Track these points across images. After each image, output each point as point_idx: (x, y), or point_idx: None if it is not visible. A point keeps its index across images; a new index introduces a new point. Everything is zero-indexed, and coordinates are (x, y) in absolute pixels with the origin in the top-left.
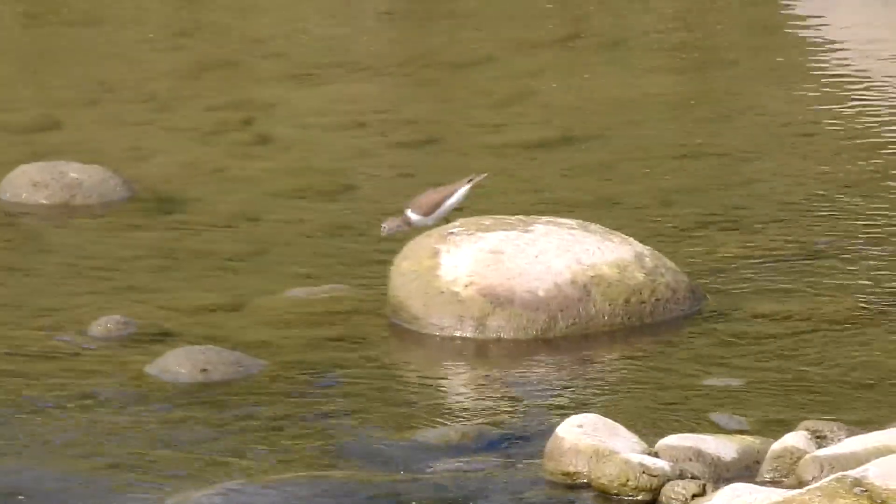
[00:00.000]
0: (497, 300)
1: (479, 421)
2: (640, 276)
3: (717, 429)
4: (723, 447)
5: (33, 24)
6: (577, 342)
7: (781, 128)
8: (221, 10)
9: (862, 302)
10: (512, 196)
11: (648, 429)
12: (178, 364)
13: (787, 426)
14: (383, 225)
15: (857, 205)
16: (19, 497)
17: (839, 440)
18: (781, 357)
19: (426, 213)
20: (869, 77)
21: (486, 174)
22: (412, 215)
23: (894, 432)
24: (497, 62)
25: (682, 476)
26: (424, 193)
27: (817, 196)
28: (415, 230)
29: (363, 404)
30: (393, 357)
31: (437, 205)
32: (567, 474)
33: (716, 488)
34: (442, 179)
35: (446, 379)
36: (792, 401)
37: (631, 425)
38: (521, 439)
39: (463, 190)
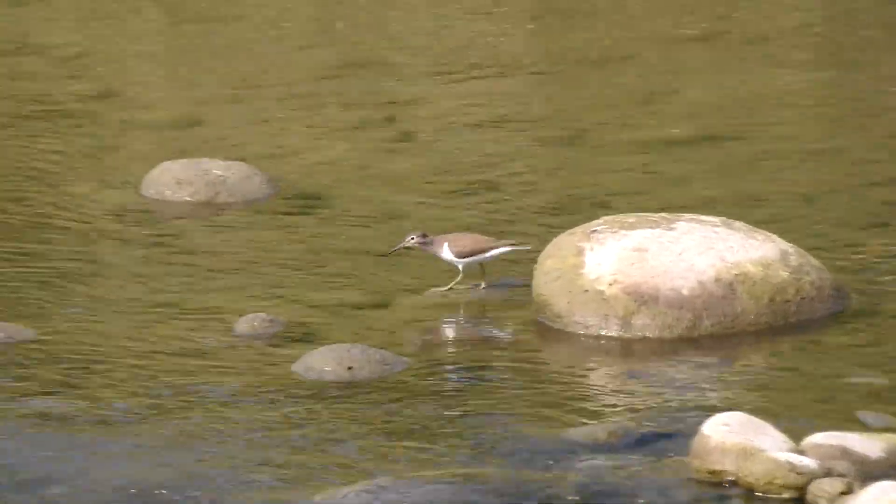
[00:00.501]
0: (641, 298)
1: (626, 419)
2: (784, 274)
3: (863, 427)
4: (869, 445)
5: (176, 23)
6: (722, 341)
7: None
8: (364, 8)
9: None
10: (654, 193)
11: (794, 427)
12: (323, 362)
13: None
14: (410, 236)
15: None
16: (167, 491)
17: None
18: None
19: (461, 256)
20: None
21: (529, 246)
22: (447, 252)
23: None
24: (639, 59)
25: (828, 474)
26: (469, 237)
27: None
28: (433, 258)
29: (509, 402)
30: (538, 355)
31: (475, 253)
32: (713, 472)
33: (862, 487)
34: (584, 177)
35: (592, 377)
36: None
37: (777, 423)
38: (666, 437)
39: (503, 250)
